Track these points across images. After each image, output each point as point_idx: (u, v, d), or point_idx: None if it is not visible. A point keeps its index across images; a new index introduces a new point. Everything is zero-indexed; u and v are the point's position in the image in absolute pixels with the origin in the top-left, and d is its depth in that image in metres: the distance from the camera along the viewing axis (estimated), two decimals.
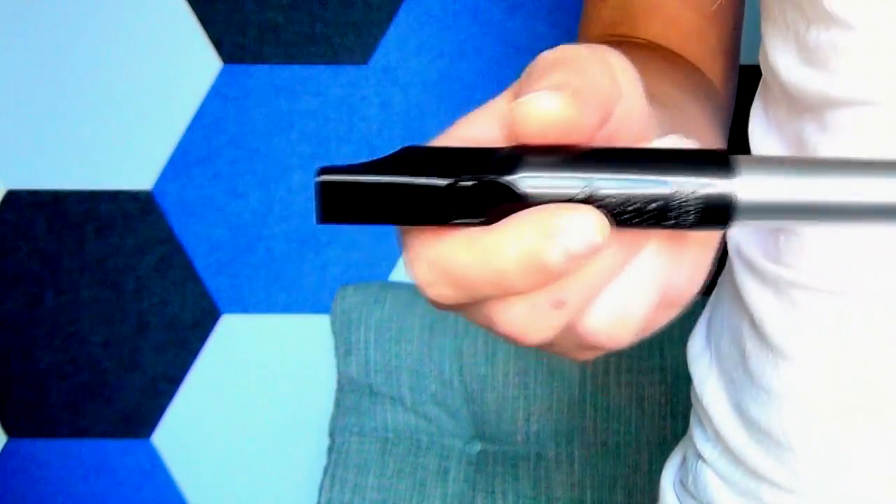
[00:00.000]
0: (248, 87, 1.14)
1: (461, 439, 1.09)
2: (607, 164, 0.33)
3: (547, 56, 0.35)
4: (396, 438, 1.09)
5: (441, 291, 0.34)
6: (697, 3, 0.63)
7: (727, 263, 0.61)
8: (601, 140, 0.34)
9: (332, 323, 1.11)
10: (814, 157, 0.35)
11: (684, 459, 0.64)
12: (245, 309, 1.18)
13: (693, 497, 0.62)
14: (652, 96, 0.51)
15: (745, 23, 0.67)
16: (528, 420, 1.06)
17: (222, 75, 1.13)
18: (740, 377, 0.57)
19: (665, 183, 0.33)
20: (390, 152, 0.33)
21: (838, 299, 0.52)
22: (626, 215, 0.33)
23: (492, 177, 0.32)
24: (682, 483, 0.64)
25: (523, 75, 0.35)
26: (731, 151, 0.34)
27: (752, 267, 0.56)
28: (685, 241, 0.36)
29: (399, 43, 1.12)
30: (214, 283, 1.17)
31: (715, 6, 0.63)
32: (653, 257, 0.35)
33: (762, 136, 0.56)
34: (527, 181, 0.32)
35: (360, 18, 1.12)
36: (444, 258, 0.33)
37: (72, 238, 1.17)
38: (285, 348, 1.19)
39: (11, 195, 1.16)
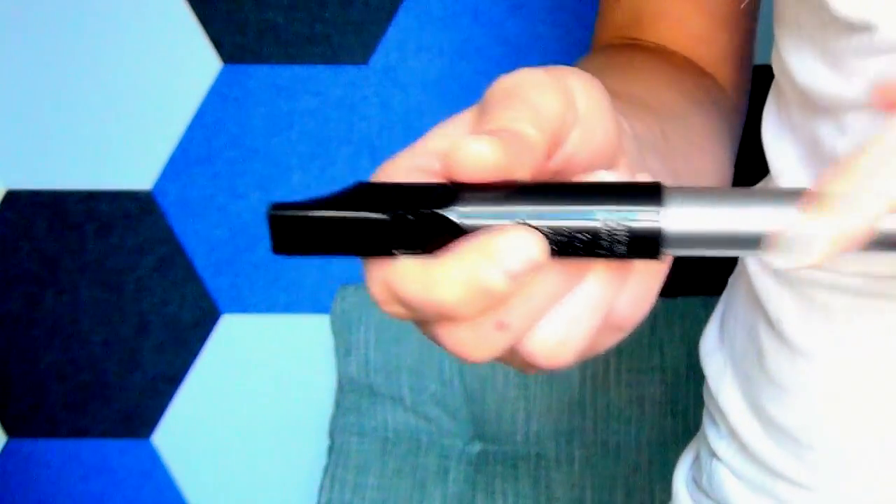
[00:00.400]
0: (248, 87, 1.14)
1: (461, 439, 1.09)
2: (541, 199, 0.35)
3: (502, 84, 0.37)
4: (396, 438, 1.09)
5: (393, 309, 0.36)
6: (707, 8, 0.63)
7: (739, 262, 0.61)
8: (558, 163, 0.36)
9: (332, 323, 1.11)
10: (743, 189, 0.37)
11: (697, 458, 0.64)
12: (245, 309, 1.18)
13: (707, 495, 0.62)
14: (650, 106, 0.51)
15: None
16: (528, 420, 1.06)
17: (222, 75, 1.13)
18: (756, 374, 0.57)
19: (593, 216, 0.34)
20: (341, 188, 0.36)
21: (856, 297, 0.52)
22: (558, 246, 0.35)
23: (431, 210, 0.35)
24: (696, 482, 0.64)
25: (482, 100, 0.37)
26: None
27: (768, 265, 0.56)
28: (628, 269, 0.37)
29: (399, 43, 1.12)
30: (214, 283, 1.17)
31: (743, 5, 0.63)
32: (595, 283, 0.36)
33: (775, 136, 0.56)
34: (463, 214, 0.35)
35: (360, 18, 1.12)
36: (394, 281, 0.35)
37: (72, 238, 1.17)
38: (285, 348, 1.19)
39: (11, 195, 1.16)
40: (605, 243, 0.35)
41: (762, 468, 0.57)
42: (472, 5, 1.11)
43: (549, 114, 0.35)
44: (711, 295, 1.07)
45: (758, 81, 0.67)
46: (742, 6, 0.63)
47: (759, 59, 0.67)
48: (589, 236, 0.35)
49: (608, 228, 0.34)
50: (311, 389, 1.19)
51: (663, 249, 0.35)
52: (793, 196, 0.35)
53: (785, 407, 0.55)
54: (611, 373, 1.05)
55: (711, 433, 0.62)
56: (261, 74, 1.13)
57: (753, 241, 0.35)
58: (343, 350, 1.10)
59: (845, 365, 0.53)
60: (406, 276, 0.35)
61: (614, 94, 0.46)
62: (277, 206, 0.35)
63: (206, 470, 1.21)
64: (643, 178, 0.37)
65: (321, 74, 1.13)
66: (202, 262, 1.17)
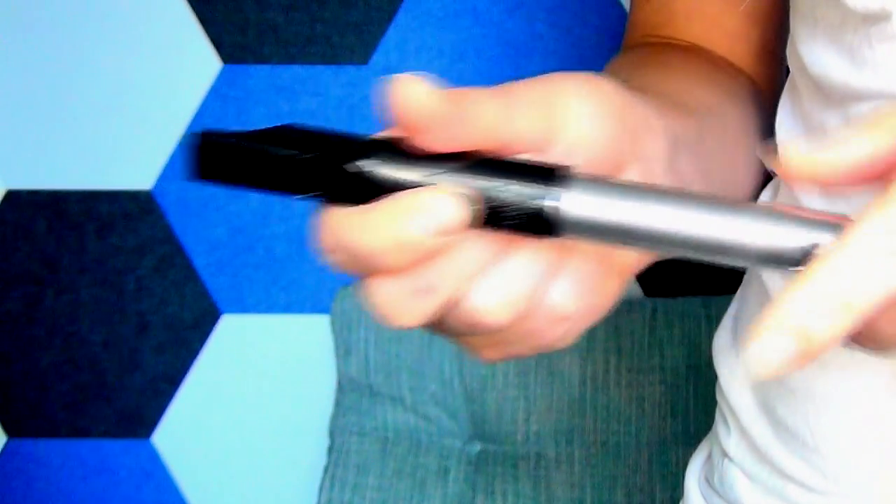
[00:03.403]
0: (248, 87, 1.14)
1: (461, 439, 1.09)
2: (451, 165, 0.36)
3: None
4: (396, 438, 1.09)
5: (334, 258, 0.37)
6: (739, 5, 0.63)
7: None
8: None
9: (332, 323, 1.11)
10: (651, 185, 0.37)
11: (709, 456, 0.64)
12: (245, 309, 1.18)
13: (719, 495, 0.61)
14: (686, 104, 0.51)
15: None
16: (528, 420, 1.06)
17: (222, 75, 1.13)
18: None
19: (498, 188, 0.36)
20: (270, 126, 0.38)
21: None
22: None
23: (350, 160, 0.36)
24: (708, 481, 0.64)
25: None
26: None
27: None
28: (566, 258, 0.38)
29: (399, 43, 1.12)
30: (214, 283, 1.17)
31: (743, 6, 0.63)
32: (524, 259, 0.37)
33: (789, 128, 0.56)
34: (375, 168, 0.36)
35: (360, 18, 1.12)
36: (335, 228, 0.37)
37: (72, 238, 1.17)
38: (285, 348, 1.19)
39: (11, 195, 1.16)
40: (505, 215, 0.36)
41: (773, 470, 0.57)
42: (472, 5, 1.11)
43: (524, 123, 0.37)
44: (711, 295, 1.07)
45: None
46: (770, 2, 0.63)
47: None
48: (492, 206, 0.36)
49: (511, 202, 0.36)
50: (311, 389, 1.19)
51: (560, 231, 0.36)
52: (696, 199, 0.36)
53: (794, 410, 0.55)
54: (611, 373, 1.05)
55: (723, 432, 0.62)
56: (261, 74, 1.13)
57: (651, 238, 0.36)
58: (343, 350, 1.10)
59: (853, 370, 0.52)
60: (342, 221, 0.36)
61: (649, 91, 0.46)
62: (206, 134, 0.37)
63: (206, 470, 1.21)
64: (665, 182, 0.37)
65: (321, 74, 1.13)
66: (202, 262, 1.17)
